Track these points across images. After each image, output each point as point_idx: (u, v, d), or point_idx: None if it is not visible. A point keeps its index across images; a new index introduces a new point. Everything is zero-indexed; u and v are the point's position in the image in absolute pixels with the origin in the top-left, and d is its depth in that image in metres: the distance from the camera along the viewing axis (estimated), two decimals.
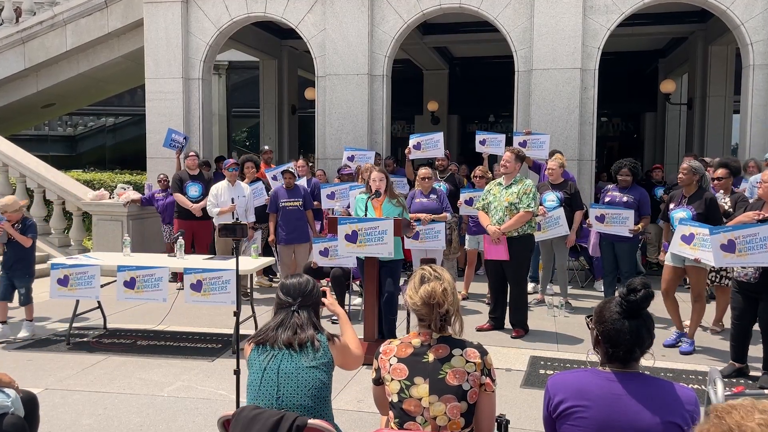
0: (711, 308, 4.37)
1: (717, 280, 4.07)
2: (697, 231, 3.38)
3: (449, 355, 1.55)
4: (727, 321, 3.88)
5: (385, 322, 3.69)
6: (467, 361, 1.54)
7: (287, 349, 1.66)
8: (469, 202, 4.92)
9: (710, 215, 3.59)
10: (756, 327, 3.24)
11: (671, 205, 3.79)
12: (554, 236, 4.60)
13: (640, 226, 4.28)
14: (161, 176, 5.87)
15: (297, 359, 1.65)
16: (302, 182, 5.38)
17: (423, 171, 4.66)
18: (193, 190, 5.54)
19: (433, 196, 4.60)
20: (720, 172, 3.99)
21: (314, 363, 1.66)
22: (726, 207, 3.85)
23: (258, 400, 1.64)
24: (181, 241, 4.22)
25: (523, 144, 5.19)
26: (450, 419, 1.52)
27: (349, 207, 4.95)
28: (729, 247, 3.09)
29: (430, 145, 5.40)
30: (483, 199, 4.10)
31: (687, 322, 4.13)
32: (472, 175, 5.20)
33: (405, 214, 3.72)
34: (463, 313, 1.77)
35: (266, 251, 5.68)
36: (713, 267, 3.91)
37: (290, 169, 5.11)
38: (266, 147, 6.10)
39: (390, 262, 3.62)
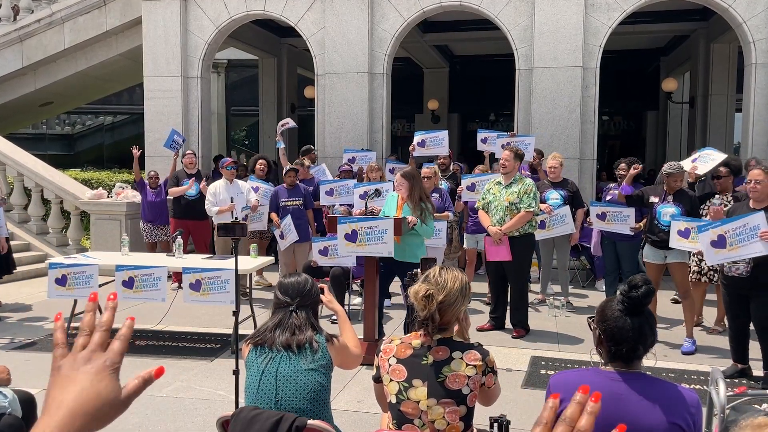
0: (712, 308, 4.36)
1: (715, 279, 4.05)
2: (692, 225, 3.48)
3: (449, 358, 1.53)
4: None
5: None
6: (467, 365, 1.52)
7: (285, 350, 1.63)
8: (471, 188, 4.83)
9: (693, 211, 3.74)
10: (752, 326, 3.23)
11: (655, 199, 3.84)
12: (560, 234, 4.58)
13: (641, 224, 4.27)
14: (152, 173, 5.72)
15: (295, 362, 1.62)
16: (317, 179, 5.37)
17: (426, 170, 4.63)
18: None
19: (435, 195, 4.57)
20: (721, 170, 3.99)
21: (313, 365, 1.63)
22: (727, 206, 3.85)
23: (256, 403, 1.62)
24: (179, 240, 4.19)
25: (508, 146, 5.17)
26: (449, 423, 1.50)
27: (352, 206, 4.93)
28: (719, 242, 3.09)
29: (434, 142, 5.37)
30: (483, 199, 4.09)
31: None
32: (473, 173, 5.17)
33: (425, 219, 3.52)
34: None
35: (268, 251, 5.65)
36: (709, 267, 3.91)
37: (294, 168, 5.09)
38: (312, 147, 5.93)
39: (409, 265, 3.40)
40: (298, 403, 1.60)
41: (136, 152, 5.68)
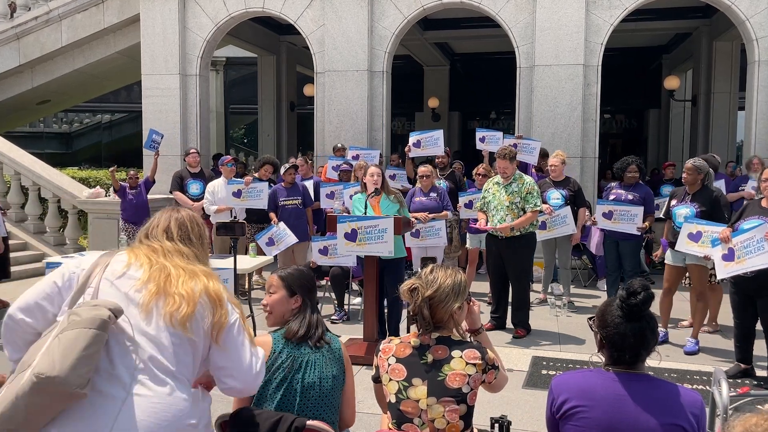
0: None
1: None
2: (704, 229, 3.38)
3: (449, 356, 1.53)
4: (725, 320, 3.85)
5: (390, 326, 3.65)
6: (467, 363, 1.52)
7: (317, 350, 1.57)
8: (469, 205, 4.85)
9: (714, 212, 3.57)
10: (758, 327, 3.20)
11: (673, 202, 3.76)
12: (561, 235, 4.55)
13: (647, 224, 4.22)
14: (131, 172, 5.58)
15: (320, 368, 1.57)
16: (308, 182, 5.25)
17: (422, 169, 4.60)
18: (194, 187, 5.43)
19: (433, 195, 4.54)
20: None
21: (335, 371, 1.59)
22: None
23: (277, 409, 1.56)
24: None
25: (514, 147, 5.12)
26: (449, 422, 1.50)
27: (344, 204, 4.88)
28: (729, 255, 3.08)
29: (430, 142, 5.35)
30: (483, 198, 4.06)
31: (685, 322, 4.08)
32: (474, 172, 5.13)
33: (403, 211, 3.67)
34: None
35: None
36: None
37: (295, 165, 5.02)
38: (339, 144, 5.90)
39: (392, 261, 3.56)
40: (320, 412, 1.54)
41: (113, 170, 5.58)
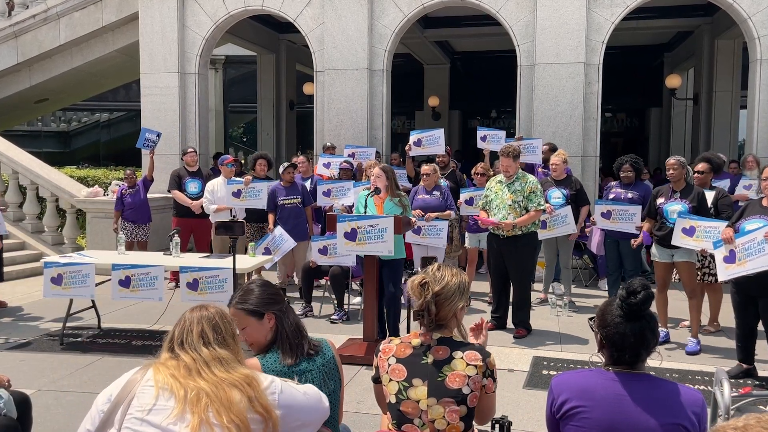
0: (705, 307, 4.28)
1: (700, 277, 3.95)
2: (698, 224, 3.46)
3: (449, 357, 1.52)
4: (727, 320, 3.84)
5: (390, 326, 3.63)
6: (468, 364, 1.51)
7: (307, 360, 1.52)
8: (470, 202, 4.84)
9: (701, 208, 3.65)
10: (760, 327, 3.20)
11: (660, 200, 3.77)
12: (561, 234, 4.54)
13: (645, 222, 4.21)
14: (128, 172, 5.54)
15: (318, 386, 1.49)
16: (306, 181, 5.23)
17: (426, 167, 4.58)
18: (193, 186, 5.40)
19: (436, 193, 4.52)
20: (701, 166, 3.95)
21: (333, 385, 1.54)
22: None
23: None
24: (176, 239, 4.13)
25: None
26: (449, 423, 1.49)
27: (353, 206, 4.85)
28: (730, 257, 3.11)
29: (430, 141, 5.33)
30: (485, 197, 4.05)
31: (686, 322, 4.06)
32: (473, 171, 5.11)
33: (408, 214, 3.65)
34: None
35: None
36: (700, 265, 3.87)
37: (294, 164, 5.00)
38: (328, 143, 5.88)
39: (391, 261, 3.55)
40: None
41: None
